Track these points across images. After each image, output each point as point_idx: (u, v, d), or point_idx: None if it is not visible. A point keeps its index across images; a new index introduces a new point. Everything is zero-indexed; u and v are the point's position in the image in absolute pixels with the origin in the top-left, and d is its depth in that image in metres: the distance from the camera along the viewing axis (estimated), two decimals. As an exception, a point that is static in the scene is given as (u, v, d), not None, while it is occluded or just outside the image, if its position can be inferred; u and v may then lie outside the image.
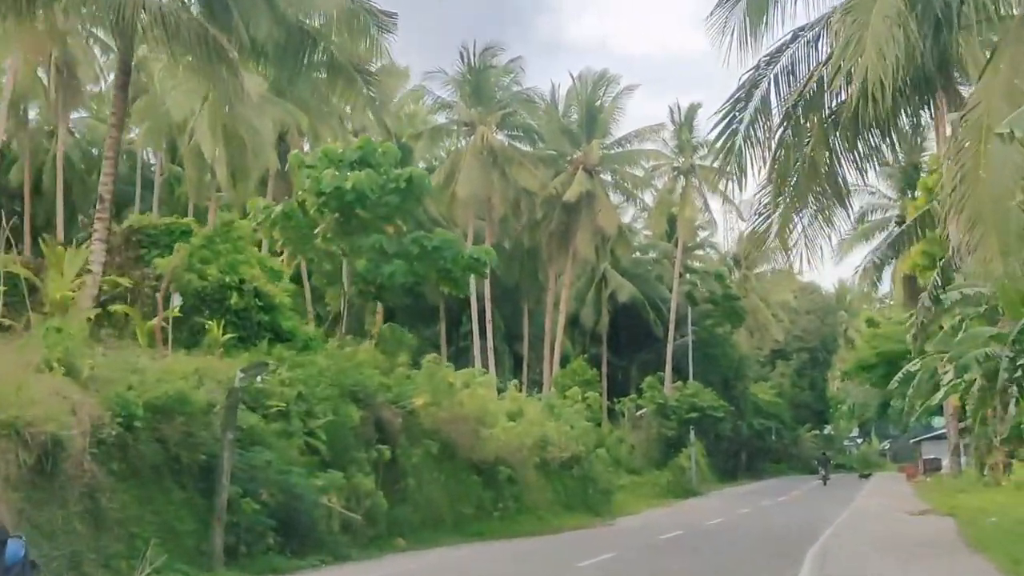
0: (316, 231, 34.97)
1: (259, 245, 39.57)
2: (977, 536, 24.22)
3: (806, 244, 23.72)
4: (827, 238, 23.87)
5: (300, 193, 35.72)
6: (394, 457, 28.11)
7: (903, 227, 59.57)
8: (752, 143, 23.19)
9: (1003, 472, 32.95)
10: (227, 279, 28.91)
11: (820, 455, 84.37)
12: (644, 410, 61.09)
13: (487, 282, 71.20)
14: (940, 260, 46.69)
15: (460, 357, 65.43)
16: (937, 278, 42.67)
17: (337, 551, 23.31)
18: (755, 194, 24.50)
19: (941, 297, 33.41)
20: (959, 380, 32.51)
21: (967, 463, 56.53)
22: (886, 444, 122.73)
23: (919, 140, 58.39)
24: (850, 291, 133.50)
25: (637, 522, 39.93)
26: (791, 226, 23.57)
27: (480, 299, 70.67)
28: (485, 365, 67.92)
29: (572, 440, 40.53)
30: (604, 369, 79.38)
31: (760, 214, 24.05)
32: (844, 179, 23.96)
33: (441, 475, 31.92)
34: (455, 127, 62.86)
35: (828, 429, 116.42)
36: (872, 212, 61.64)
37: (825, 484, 69.06)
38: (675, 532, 31.51)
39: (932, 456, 60.43)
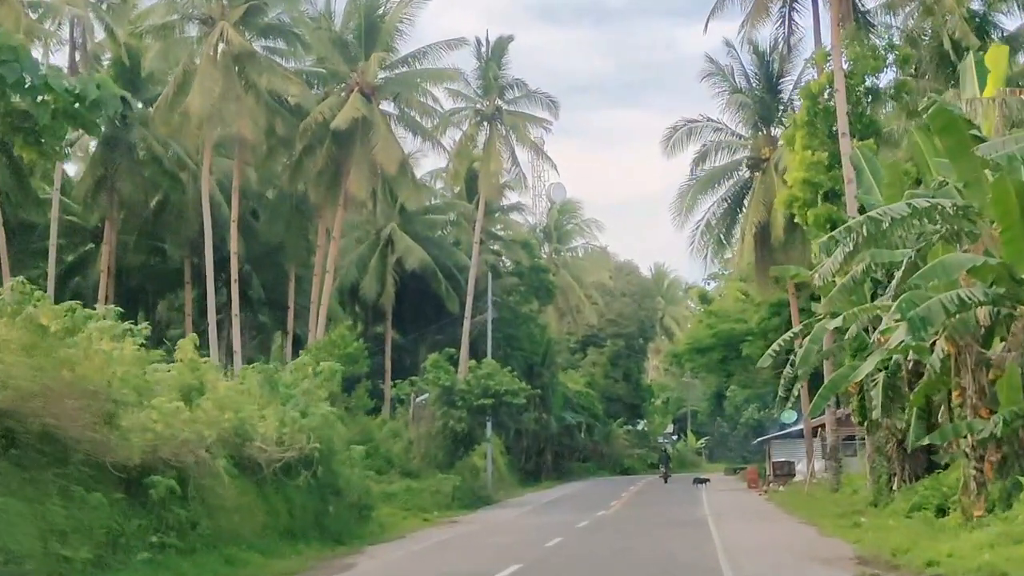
0: None
1: None
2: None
3: None
4: None
5: None
6: None
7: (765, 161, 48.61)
8: None
9: (979, 497, 20.62)
10: None
11: (661, 451, 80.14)
12: (424, 395, 47.68)
13: (242, 239, 57.04)
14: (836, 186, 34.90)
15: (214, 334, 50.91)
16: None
17: None
18: None
19: (876, 217, 20.89)
20: (912, 340, 20.09)
21: (827, 468, 45.18)
22: (701, 442, 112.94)
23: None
24: (667, 276, 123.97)
25: (393, 554, 26.53)
26: None
27: (242, 261, 56.31)
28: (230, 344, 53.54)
29: (300, 433, 26.64)
30: (388, 349, 65.93)
31: None
32: None
33: (27, 493, 17.84)
34: (190, 23, 47.95)
35: (642, 424, 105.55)
36: (717, 152, 49.67)
37: (667, 482, 65.10)
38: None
39: (782, 459, 48.99)
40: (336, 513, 29.39)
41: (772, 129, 48.76)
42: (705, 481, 54.83)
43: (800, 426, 48.68)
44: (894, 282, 22.72)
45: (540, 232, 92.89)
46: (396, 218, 68.89)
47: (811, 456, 45.47)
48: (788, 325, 54.27)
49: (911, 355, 24.30)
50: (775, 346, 33.31)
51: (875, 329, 29.96)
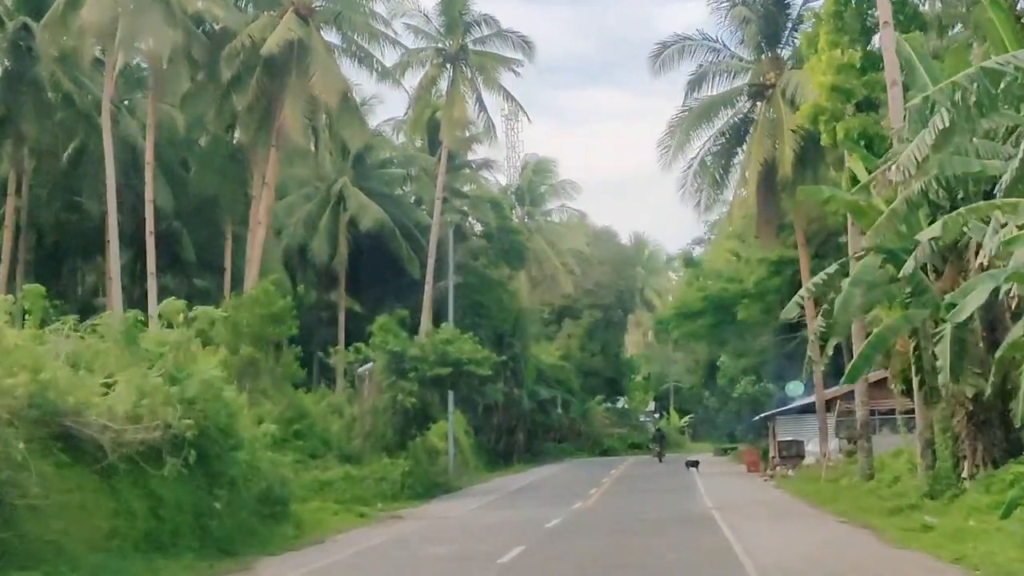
0: None
1: None
2: None
3: None
4: None
5: None
6: None
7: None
8: None
9: None
10: None
11: (655, 430, 77.10)
12: (370, 364, 40.38)
13: (170, 191, 49.70)
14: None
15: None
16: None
17: None
18: None
19: (996, 68, 13.69)
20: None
21: (841, 449, 38.34)
22: (685, 420, 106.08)
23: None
24: (648, 246, 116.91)
25: (286, 575, 19.35)
26: None
27: (163, 217, 49.01)
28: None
29: (167, 406, 19.40)
30: (341, 318, 58.68)
31: None
32: None
33: None
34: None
35: (622, 402, 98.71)
36: (715, 78, 42.30)
37: (660, 460, 63.33)
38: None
39: (789, 438, 41.79)
40: (228, 513, 22.13)
41: (779, 50, 41.52)
42: (695, 464, 47.91)
43: (809, 399, 41.75)
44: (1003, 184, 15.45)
45: (512, 194, 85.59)
46: (349, 172, 61.56)
47: (825, 435, 38.52)
48: (792, 285, 47.40)
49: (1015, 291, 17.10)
50: (802, 292, 26.20)
51: (937, 270, 22.97)
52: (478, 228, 68.69)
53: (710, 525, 23.77)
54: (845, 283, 22.78)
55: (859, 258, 23.79)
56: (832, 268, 23.82)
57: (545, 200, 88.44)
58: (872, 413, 36.40)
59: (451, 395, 50.22)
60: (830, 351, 25.47)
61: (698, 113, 41.54)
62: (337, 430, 38.57)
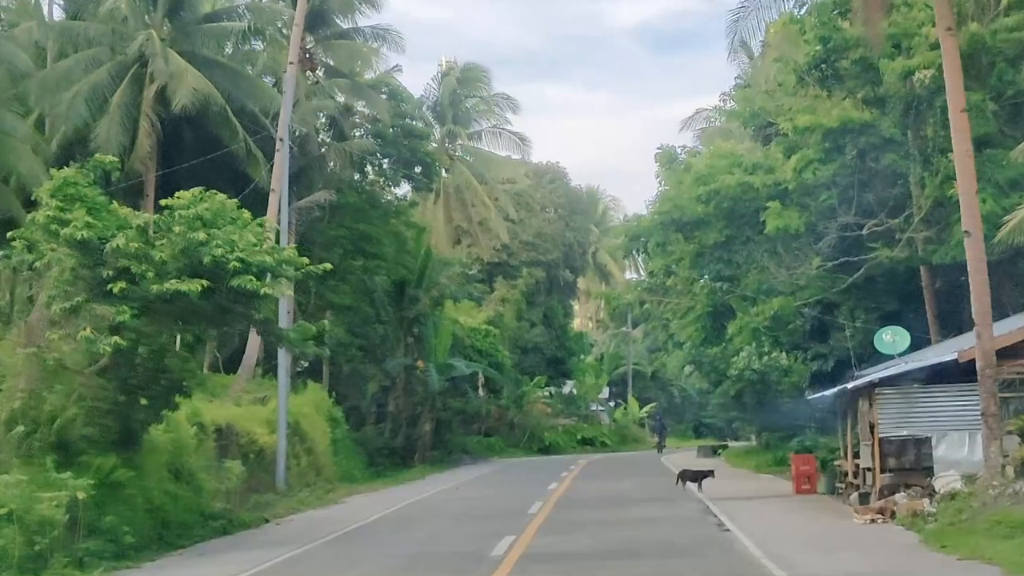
0: None
1: None
2: None
3: None
4: None
5: None
6: None
7: None
8: None
9: None
10: None
11: (656, 419, 70.51)
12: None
13: None
14: None
15: None
16: None
17: None
18: None
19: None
20: None
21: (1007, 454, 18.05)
22: (646, 410, 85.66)
23: None
24: (602, 200, 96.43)
25: None
26: None
27: None
28: None
29: None
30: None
31: None
32: None
33: None
34: None
35: (569, 387, 78.30)
36: None
37: (661, 452, 57.97)
38: None
39: (903, 435, 20.60)
40: None
41: None
42: (703, 476, 26.95)
43: (930, 358, 21.10)
44: None
45: (427, 109, 64.64)
46: (160, 27, 40.45)
47: (995, 428, 17.96)
48: (875, 176, 27.51)
49: None
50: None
51: None
52: (363, 122, 47.51)
53: None
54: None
55: None
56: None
57: (473, 119, 67.48)
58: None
59: (283, 354, 30.02)
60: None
61: None
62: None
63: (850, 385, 20.68)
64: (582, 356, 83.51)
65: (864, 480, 21.82)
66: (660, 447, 61.01)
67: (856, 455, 23.28)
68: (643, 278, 42.85)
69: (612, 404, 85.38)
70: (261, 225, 19.19)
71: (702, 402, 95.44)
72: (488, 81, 66.92)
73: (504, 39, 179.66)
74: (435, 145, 64.53)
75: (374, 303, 48.86)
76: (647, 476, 36.29)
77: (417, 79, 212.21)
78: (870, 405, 20.87)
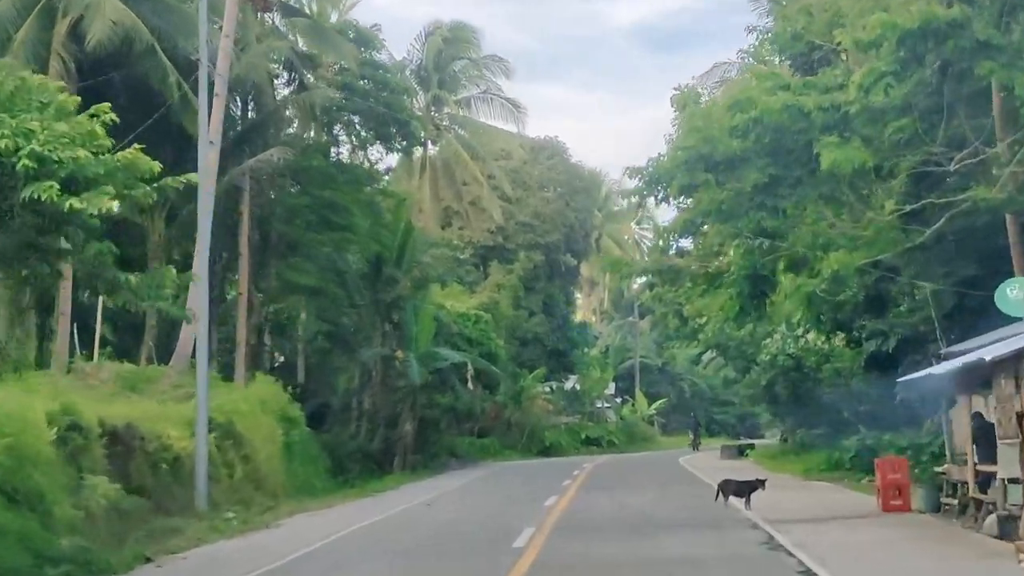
0: None
1: None
2: None
3: None
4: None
5: None
6: None
7: None
8: None
9: None
10: None
11: (690, 417, 67.79)
12: None
13: None
14: None
15: None
16: None
17: None
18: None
19: None
20: None
21: None
22: (655, 407, 78.97)
23: None
24: (605, 182, 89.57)
25: None
26: None
27: None
28: None
29: None
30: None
31: None
32: None
33: None
34: None
35: (572, 382, 71.58)
36: None
37: (696, 450, 55.00)
38: None
39: None
40: None
41: None
42: (752, 488, 20.24)
43: None
44: None
45: (410, 73, 57.85)
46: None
47: None
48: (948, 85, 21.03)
49: None
50: None
51: None
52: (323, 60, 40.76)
53: None
54: None
55: None
56: None
57: (462, 84, 60.67)
58: None
59: (205, 327, 23.70)
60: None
61: None
62: None
63: (989, 357, 14.03)
64: (586, 349, 76.82)
65: (1006, 497, 15.11)
66: (695, 445, 58.35)
67: (976, 460, 16.60)
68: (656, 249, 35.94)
69: (619, 400, 78.67)
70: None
71: (714, 397, 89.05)
72: (478, 43, 60.15)
73: (502, 38, 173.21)
74: (419, 113, 57.89)
75: (346, 284, 42.27)
76: (670, 484, 29.59)
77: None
78: (1017, 386, 14.20)
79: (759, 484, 20.63)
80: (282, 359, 49.82)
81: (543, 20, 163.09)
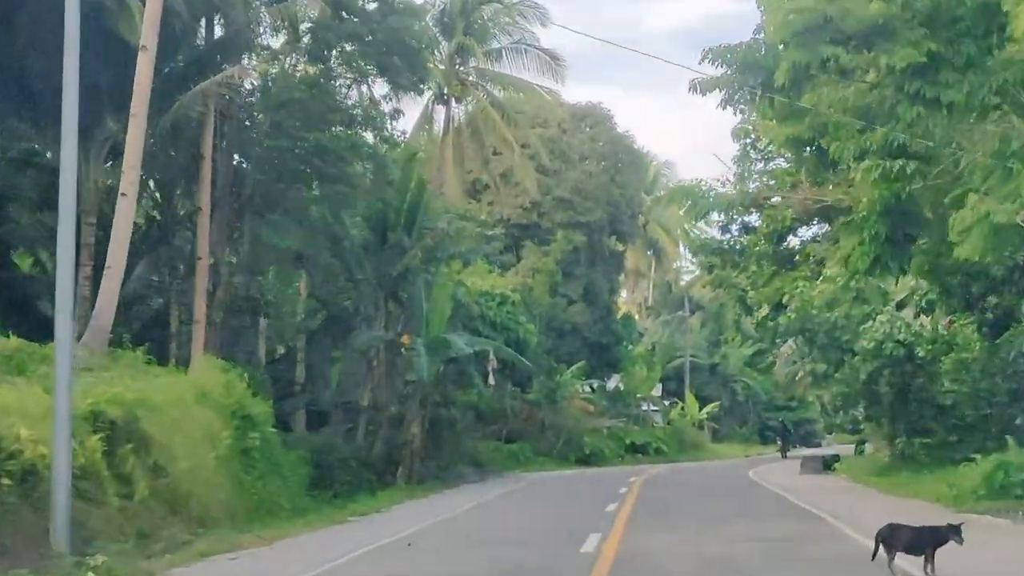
0: None
1: None
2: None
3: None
4: None
5: None
6: None
7: None
8: None
9: None
10: None
11: (779, 423, 67.56)
12: None
13: None
14: None
15: None
16: None
17: None
18: None
19: None
20: None
21: None
22: (707, 411, 70.62)
23: None
24: (650, 164, 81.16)
25: None
26: None
27: None
28: None
29: None
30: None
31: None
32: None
33: None
34: None
35: (614, 381, 63.32)
36: None
37: (785, 457, 54.19)
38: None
39: None
40: None
41: None
42: (940, 543, 12.62)
43: None
44: None
45: (432, 20, 49.73)
46: None
47: None
48: None
49: None
50: None
51: None
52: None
53: None
54: None
55: None
56: None
57: (492, 35, 52.47)
58: None
59: (61, 296, 15.39)
60: None
61: None
62: None
63: None
64: (629, 345, 68.51)
65: None
66: (784, 452, 59.50)
67: None
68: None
69: (667, 403, 70.31)
70: None
71: (769, 400, 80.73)
72: (510, -20, 51.85)
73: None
74: (441, 66, 49.94)
75: (342, 254, 34.43)
76: (763, 516, 21.24)
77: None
78: None
79: (951, 533, 12.28)
80: (283, 350, 42.14)
81: (585, 23, 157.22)
